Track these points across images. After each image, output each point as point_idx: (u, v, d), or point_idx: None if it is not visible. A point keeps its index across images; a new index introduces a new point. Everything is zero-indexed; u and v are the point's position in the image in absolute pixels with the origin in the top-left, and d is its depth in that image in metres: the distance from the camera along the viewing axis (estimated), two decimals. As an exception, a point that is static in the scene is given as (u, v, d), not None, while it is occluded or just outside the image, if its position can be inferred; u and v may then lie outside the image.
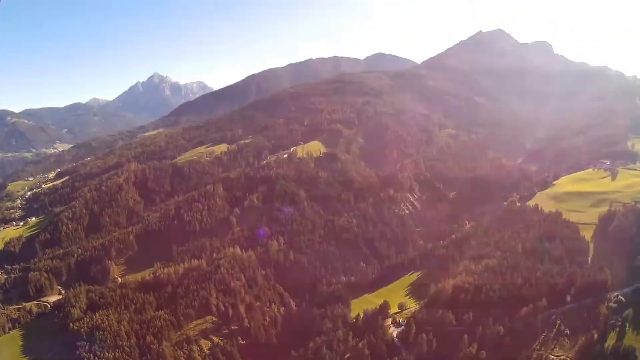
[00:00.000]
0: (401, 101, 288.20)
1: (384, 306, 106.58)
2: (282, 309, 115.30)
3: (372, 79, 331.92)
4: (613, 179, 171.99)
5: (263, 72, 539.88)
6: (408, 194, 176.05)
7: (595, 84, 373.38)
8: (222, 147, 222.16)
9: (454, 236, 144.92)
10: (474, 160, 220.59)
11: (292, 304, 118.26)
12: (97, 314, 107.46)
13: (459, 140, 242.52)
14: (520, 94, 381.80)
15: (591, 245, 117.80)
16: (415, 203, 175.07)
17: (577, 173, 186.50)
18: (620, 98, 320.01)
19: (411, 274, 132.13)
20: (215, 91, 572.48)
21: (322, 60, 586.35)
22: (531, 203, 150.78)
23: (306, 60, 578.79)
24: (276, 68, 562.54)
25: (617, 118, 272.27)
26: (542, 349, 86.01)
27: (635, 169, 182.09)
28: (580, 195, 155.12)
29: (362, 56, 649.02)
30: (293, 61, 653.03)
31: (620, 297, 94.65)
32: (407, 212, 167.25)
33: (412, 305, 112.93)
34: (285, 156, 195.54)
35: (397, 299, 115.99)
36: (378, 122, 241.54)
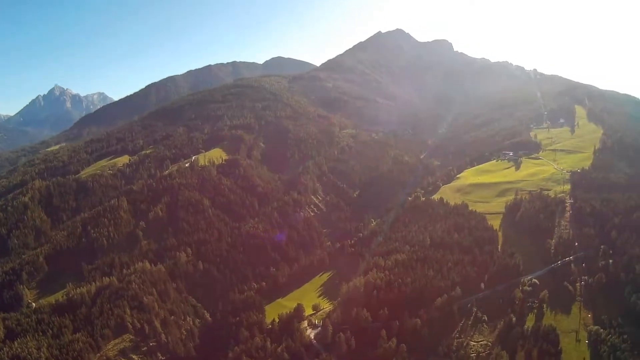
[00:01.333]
0: (301, 104, 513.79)
1: (298, 309, 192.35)
2: (197, 321, 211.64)
3: (271, 83, 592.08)
4: (517, 168, 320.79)
5: (162, 80, 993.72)
6: (312, 196, 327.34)
7: (496, 79, 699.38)
8: (124, 159, 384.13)
9: (360, 234, 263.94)
10: (376, 159, 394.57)
11: (207, 314, 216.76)
12: (16, 343, 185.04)
13: (359, 140, 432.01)
14: (421, 91, 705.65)
15: (500, 234, 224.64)
16: (320, 204, 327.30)
17: (481, 165, 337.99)
18: (522, 91, 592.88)
19: (322, 274, 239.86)
20: (116, 102, 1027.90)
21: (221, 66, 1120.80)
22: (436, 197, 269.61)
23: (205, 67, 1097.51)
24: (176, 76, 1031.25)
25: (518, 110, 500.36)
26: (462, 336, 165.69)
27: (539, 158, 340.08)
28: (485, 186, 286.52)
29: (260, 60, 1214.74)
30: (193, 68, 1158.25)
31: (534, 280, 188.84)
32: (312, 214, 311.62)
33: (326, 306, 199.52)
34: (187, 165, 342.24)
35: (311, 301, 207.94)
36: (278, 125, 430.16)
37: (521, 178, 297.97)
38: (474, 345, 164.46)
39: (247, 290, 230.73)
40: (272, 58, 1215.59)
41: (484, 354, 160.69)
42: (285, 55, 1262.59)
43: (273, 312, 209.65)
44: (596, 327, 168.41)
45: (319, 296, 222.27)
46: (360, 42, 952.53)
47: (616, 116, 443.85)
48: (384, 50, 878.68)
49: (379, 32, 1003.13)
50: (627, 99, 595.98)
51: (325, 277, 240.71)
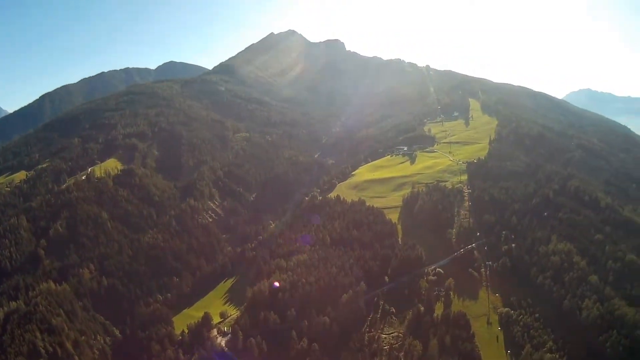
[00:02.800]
0: (193, 109, 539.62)
1: (206, 318, 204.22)
2: (107, 339, 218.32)
3: (164, 88, 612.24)
4: (412, 162, 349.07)
5: (57, 89, 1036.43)
6: (209, 202, 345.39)
7: (389, 76, 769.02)
8: (21, 175, 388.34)
9: (260, 237, 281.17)
10: (271, 161, 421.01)
11: (116, 331, 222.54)
12: None
13: (253, 142, 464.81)
14: (314, 91, 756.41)
15: (399, 227, 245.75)
16: (218, 210, 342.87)
17: (376, 161, 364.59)
18: (415, 87, 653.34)
19: (225, 281, 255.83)
20: (10, 114, 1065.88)
21: (114, 72, 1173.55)
22: (333, 195, 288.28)
23: (99, 74, 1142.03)
24: (69, 84, 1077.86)
25: (412, 106, 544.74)
26: (372, 330, 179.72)
27: (434, 151, 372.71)
28: (381, 181, 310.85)
29: (153, 66, 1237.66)
30: (86, 75, 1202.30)
31: (438, 269, 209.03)
32: (210, 220, 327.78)
33: (234, 312, 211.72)
34: (83, 178, 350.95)
35: (218, 309, 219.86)
36: (172, 132, 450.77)
37: (417, 171, 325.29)
38: (385, 337, 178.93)
39: (153, 302, 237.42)
40: (165, 63, 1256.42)
41: (396, 345, 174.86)
42: (178, 60, 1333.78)
43: (181, 323, 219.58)
44: (506, 309, 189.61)
45: (225, 303, 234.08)
46: (253, 43, 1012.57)
47: (511, 107, 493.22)
48: (276, 51, 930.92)
49: (272, 33, 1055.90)
50: (522, 91, 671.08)
51: (229, 283, 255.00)
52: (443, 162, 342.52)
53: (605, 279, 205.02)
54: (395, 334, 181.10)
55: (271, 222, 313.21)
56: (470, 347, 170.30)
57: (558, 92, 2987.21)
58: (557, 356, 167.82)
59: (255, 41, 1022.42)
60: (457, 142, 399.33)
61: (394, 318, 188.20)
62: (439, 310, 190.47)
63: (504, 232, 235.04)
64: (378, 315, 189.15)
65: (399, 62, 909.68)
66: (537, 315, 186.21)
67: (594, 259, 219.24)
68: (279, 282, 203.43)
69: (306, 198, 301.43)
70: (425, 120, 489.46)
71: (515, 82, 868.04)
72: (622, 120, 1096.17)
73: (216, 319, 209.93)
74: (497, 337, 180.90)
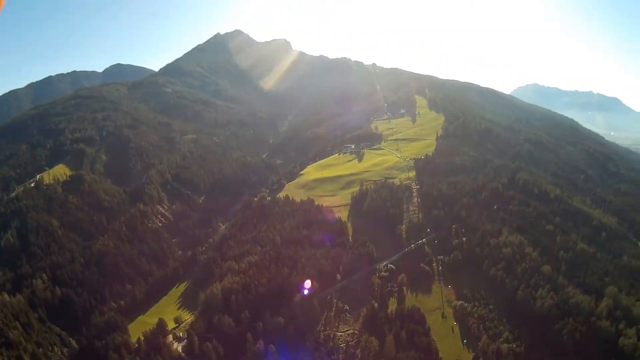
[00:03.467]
0: (141, 111, 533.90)
1: (161, 324, 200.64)
2: (65, 350, 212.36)
3: (111, 91, 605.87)
4: (360, 160, 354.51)
5: (4, 95, 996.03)
6: (158, 206, 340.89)
7: (336, 75, 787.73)
8: None
9: (211, 240, 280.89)
10: (219, 162, 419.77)
11: (73, 342, 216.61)
12: None
13: (201, 144, 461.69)
14: (260, 91, 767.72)
15: (349, 224, 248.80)
16: (167, 214, 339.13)
17: (324, 160, 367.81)
18: (361, 85, 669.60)
19: (178, 285, 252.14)
20: None
21: (61, 76, 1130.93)
22: (282, 195, 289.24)
23: (46, 78, 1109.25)
24: (17, 89, 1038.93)
25: (358, 104, 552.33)
26: (327, 328, 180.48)
27: (382, 148, 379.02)
28: (329, 180, 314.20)
29: (100, 68, 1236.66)
30: (33, 80, 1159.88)
31: (390, 265, 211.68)
32: (160, 224, 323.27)
33: (188, 317, 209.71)
34: (32, 185, 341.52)
35: (172, 314, 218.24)
36: (119, 136, 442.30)
37: (365, 169, 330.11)
38: (341, 335, 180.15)
39: (108, 311, 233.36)
40: (112, 65, 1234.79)
41: (352, 342, 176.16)
42: (125, 62, 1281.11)
43: (137, 330, 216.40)
44: (460, 302, 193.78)
45: (179, 308, 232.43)
46: (199, 44, 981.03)
47: (458, 103, 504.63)
48: (222, 51, 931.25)
49: (218, 33, 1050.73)
50: (469, 87, 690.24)
51: (181, 287, 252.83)
52: (391, 159, 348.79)
53: (558, 268, 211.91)
54: (351, 331, 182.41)
55: (221, 224, 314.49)
56: (427, 341, 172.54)
57: (505, 87, 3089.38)
58: (514, 346, 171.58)
59: (201, 42, 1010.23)
60: (404, 139, 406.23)
61: (349, 315, 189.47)
62: (392, 305, 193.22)
63: (454, 226, 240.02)
64: (332, 314, 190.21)
65: (345, 61, 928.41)
66: (491, 306, 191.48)
67: (545, 249, 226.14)
68: (231, 285, 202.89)
69: (255, 199, 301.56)
70: (372, 118, 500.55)
71: (462, 78, 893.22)
72: (569, 113, 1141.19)
73: (171, 325, 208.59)
74: (452, 329, 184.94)
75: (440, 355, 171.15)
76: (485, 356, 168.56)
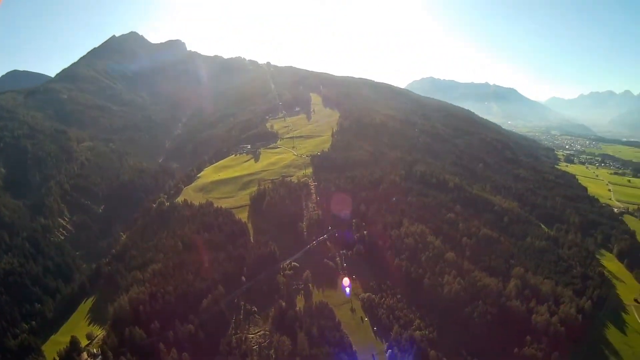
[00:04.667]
0: (37, 120, 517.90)
1: (74, 342, 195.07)
2: None
3: (7, 100, 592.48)
4: (257, 160, 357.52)
5: None
6: (59, 219, 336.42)
7: (230, 75, 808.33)
8: None
9: (113, 250, 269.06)
10: (116, 169, 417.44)
11: None
12: None
13: (97, 151, 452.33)
14: (155, 95, 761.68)
15: (249, 225, 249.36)
16: (68, 226, 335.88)
17: (220, 161, 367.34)
18: (256, 84, 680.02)
19: (86, 300, 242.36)
20: None
21: None
22: (180, 199, 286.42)
23: None
24: None
25: (253, 103, 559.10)
26: (238, 332, 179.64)
27: (278, 147, 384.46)
28: (227, 181, 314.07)
29: None
30: None
31: (293, 263, 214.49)
32: (62, 237, 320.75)
33: (99, 332, 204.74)
34: None
35: (83, 330, 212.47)
36: (17, 146, 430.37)
37: (262, 168, 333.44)
38: (252, 337, 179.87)
39: (20, 333, 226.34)
40: (7, 73, 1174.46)
41: (265, 343, 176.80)
42: (21, 68, 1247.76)
43: (51, 350, 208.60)
44: (367, 294, 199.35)
45: (90, 323, 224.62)
46: (95, 48, 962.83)
47: (352, 99, 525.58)
48: (118, 55, 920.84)
49: (113, 36, 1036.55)
50: (363, 82, 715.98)
51: (89, 302, 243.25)
52: (287, 157, 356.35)
53: (462, 254, 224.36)
54: (262, 332, 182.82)
55: (122, 233, 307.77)
56: (339, 335, 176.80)
57: (401, 82, 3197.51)
58: (427, 332, 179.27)
59: (97, 45, 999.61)
60: (300, 137, 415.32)
61: (258, 317, 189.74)
62: (300, 303, 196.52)
63: (354, 221, 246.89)
64: (241, 316, 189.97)
65: (239, 60, 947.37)
66: (399, 296, 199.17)
67: (448, 237, 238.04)
68: (138, 295, 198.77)
69: (154, 205, 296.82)
70: (268, 117, 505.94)
71: (357, 75, 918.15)
72: (466, 104, 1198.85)
73: (84, 342, 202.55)
74: (362, 318, 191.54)
75: (354, 348, 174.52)
76: (399, 345, 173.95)
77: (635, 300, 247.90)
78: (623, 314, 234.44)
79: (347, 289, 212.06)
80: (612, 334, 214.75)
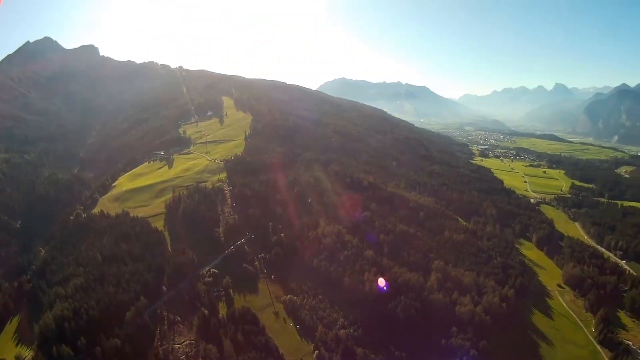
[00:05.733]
0: None
1: None
2: None
3: None
4: (170, 167, 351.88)
5: None
6: None
7: (142, 80, 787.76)
8: None
9: (33, 266, 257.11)
10: (32, 182, 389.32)
11: None
12: None
13: (13, 164, 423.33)
14: (68, 102, 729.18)
15: (166, 234, 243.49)
16: None
17: (134, 169, 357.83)
18: (168, 89, 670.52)
19: (11, 320, 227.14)
20: None
21: None
22: (97, 210, 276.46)
23: None
24: None
25: (166, 109, 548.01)
26: (164, 342, 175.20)
27: (191, 153, 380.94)
28: (142, 190, 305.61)
29: None
30: None
31: (213, 270, 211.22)
32: None
33: (28, 353, 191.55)
34: None
35: (12, 352, 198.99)
36: None
37: (176, 175, 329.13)
38: (179, 347, 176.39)
39: None
40: None
41: (192, 352, 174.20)
42: None
43: None
44: (289, 296, 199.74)
45: (17, 344, 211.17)
46: (9, 54, 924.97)
47: (265, 102, 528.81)
48: (31, 61, 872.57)
49: (28, 41, 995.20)
50: (275, 84, 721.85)
51: (15, 322, 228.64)
52: (201, 162, 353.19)
53: (381, 251, 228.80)
54: (187, 342, 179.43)
55: (41, 248, 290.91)
56: (264, 339, 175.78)
57: (313, 83, 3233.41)
58: (352, 330, 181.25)
59: (11, 51, 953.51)
60: (213, 142, 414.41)
61: (182, 326, 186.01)
62: (223, 310, 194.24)
63: (270, 223, 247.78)
64: (165, 327, 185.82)
65: (152, 65, 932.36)
66: (321, 296, 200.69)
67: (364, 234, 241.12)
68: (62, 312, 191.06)
69: (71, 217, 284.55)
70: (180, 122, 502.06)
71: (269, 77, 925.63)
72: (379, 104, 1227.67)
73: None
74: (285, 319, 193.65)
75: (281, 351, 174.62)
76: (325, 345, 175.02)
77: (559, 285, 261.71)
78: (548, 299, 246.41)
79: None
80: (538, 319, 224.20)
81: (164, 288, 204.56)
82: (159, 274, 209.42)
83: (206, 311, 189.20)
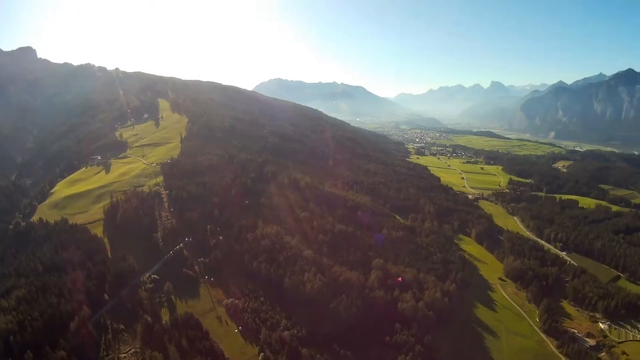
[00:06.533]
0: None
1: None
2: None
3: None
4: (108, 171, 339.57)
5: None
6: None
7: (80, 83, 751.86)
8: None
9: None
10: None
11: None
12: None
13: None
14: (5, 105, 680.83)
15: (106, 240, 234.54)
16: None
17: (72, 175, 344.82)
18: (105, 92, 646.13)
19: None
20: None
21: None
22: (35, 218, 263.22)
23: None
24: None
25: (103, 112, 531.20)
26: (110, 352, 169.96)
27: (128, 157, 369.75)
28: (80, 196, 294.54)
29: None
30: None
31: (153, 276, 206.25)
32: None
33: None
34: None
35: None
36: None
37: (113, 180, 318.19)
38: (125, 356, 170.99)
39: None
40: None
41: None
42: None
43: None
44: (230, 299, 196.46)
45: None
46: None
47: (200, 103, 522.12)
48: None
49: None
50: (211, 86, 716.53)
51: None
52: (138, 166, 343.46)
53: (320, 251, 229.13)
54: (133, 350, 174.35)
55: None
56: (209, 344, 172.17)
57: (249, 84, 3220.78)
58: (296, 331, 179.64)
59: None
60: (149, 145, 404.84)
61: (126, 335, 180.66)
62: (165, 316, 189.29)
63: (208, 227, 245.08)
64: (110, 336, 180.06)
65: (89, 67, 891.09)
66: (262, 298, 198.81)
67: (303, 235, 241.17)
68: (7, 325, 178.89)
69: (10, 226, 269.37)
70: (117, 126, 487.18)
71: (205, 78, 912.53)
72: (314, 104, 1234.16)
73: None
74: (227, 322, 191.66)
75: (227, 355, 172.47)
76: (270, 347, 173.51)
77: (500, 278, 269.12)
78: (490, 292, 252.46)
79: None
80: (482, 312, 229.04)
81: (107, 296, 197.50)
82: (100, 282, 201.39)
83: (149, 318, 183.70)
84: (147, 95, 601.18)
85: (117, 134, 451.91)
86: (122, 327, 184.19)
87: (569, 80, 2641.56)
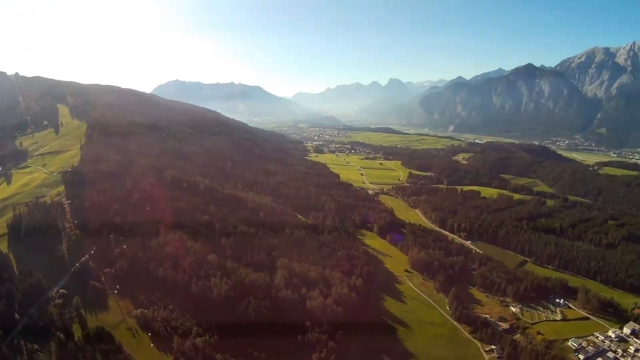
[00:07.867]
0: None
1: None
2: None
3: None
4: (9, 183, 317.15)
5: None
6: None
7: None
8: None
9: None
10: None
11: None
12: None
13: None
14: None
15: (11, 256, 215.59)
16: None
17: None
18: (4, 99, 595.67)
19: None
20: None
21: None
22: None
23: None
24: None
25: (3, 119, 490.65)
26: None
27: (29, 166, 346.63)
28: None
29: None
30: None
31: (61, 290, 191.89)
32: None
33: None
34: None
35: None
36: None
37: (15, 191, 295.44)
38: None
39: None
40: None
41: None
42: None
43: None
44: (139, 310, 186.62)
45: None
46: None
47: (100, 108, 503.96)
48: None
49: None
50: (109, 89, 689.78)
51: None
52: (39, 176, 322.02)
53: (224, 254, 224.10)
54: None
55: None
56: (124, 357, 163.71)
57: (147, 86, 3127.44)
58: (208, 337, 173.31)
59: None
60: (49, 153, 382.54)
61: (41, 354, 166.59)
62: (78, 332, 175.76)
63: (112, 235, 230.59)
64: (25, 357, 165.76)
65: None
66: (171, 306, 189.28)
67: (207, 239, 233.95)
68: None
69: None
70: (17, 134, 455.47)
71: (104, 82, 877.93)
72: (212, 105, 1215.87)
73: None
74: (138, 331, 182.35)
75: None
76: (184, 355, 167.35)
77: (406, 270, 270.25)
78: (397, 285, 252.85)
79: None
80: (391, 305, 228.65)
81: (17, 315, 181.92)
82: (10, 300, 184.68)
83: (62, 335, 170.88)
84: (46, 100, 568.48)
85: (17, 142, 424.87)
86: (37, 347, 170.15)
87: (468, 76, 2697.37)
